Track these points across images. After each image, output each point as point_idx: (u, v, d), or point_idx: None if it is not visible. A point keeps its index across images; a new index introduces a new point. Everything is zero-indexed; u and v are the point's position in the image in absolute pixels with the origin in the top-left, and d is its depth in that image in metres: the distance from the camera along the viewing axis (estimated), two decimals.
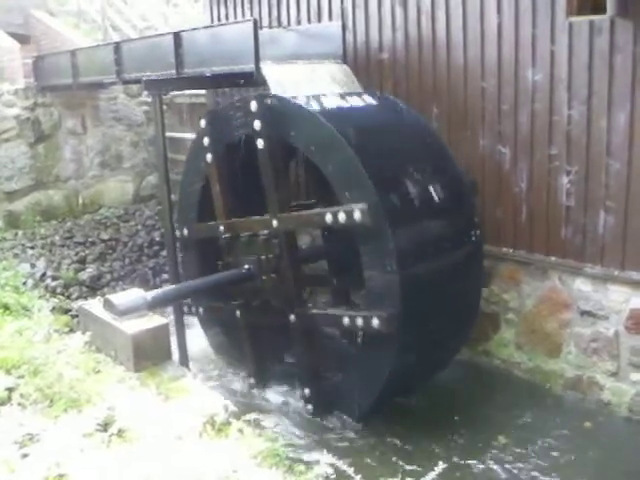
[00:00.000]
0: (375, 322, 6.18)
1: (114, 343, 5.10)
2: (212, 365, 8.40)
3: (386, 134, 6.90)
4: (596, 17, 6.23)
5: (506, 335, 7.61)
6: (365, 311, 6.44)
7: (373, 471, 5.70)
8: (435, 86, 7.63)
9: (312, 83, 7.46)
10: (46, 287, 9.47)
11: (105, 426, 3.61)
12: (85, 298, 8.60)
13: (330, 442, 6.46)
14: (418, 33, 7.67)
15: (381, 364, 6.44)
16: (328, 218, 6.40)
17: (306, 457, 5.64)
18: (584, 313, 6.86)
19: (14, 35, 12.50)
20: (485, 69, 7.15)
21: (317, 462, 3.55)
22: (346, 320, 6.55)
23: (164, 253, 10.04)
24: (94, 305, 5.71)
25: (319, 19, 8.75)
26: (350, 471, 3.33)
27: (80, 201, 11.77)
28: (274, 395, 7.62)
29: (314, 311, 7.19)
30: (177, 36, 7.76)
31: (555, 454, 6.16)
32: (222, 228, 7.63)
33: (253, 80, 7.14)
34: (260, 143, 6.84)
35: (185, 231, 8.23)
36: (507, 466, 6.03)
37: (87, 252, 10.56)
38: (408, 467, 5.83)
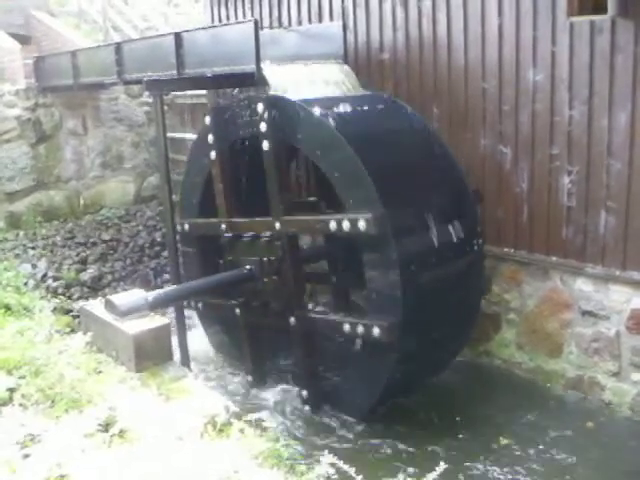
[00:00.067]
0: (376, 331, 6.21)
1: (115, 343, 5.10)
2: (212, 365, 8.40)
3: (393, 142, 6.86)
4: (597, 17, 6.23)
5: (507, 335, 7.61)
6: (366, 319, 6.46)
7: (374, 471, 5.68)
8: (436, 86, 7.63)
9: (313, 83, 7.47)
10: (47, 288, 9.48)
11: (106, 426, 3.61)
12: (86, 299, 8.59)
13: (330, 443, 6.46)
14: (419, 33, 7.67)
15: (380, 370, 6.49)
16: (332, 225, 6.40)
17: (307, 457, 5.66)
18: (585, 313, 6.86)
19: (15, 36, 12.52)
20: (486, 69, 7.15)
21: (318, 462, 3.53)
22: (347, 327, 6.56)
23: (165, 254, 10.05)
24: (95, 305, 5.72)
25: (320, 19, 8.76)
26: (351, 471, 3.33)
27: (81, 202, 11.77)
28: (272, 394, 7.62)
29: (315, 315, 7.19)
30: (178, 36, 7.77)
31: (557, 455, 6.15)
32: (224, 226, 7.64)
33: (254, 80, 7.14)
34: (265, 145, 6.84)
35: (186, 226, 8.24)
36: (508, 467, 6.01)
37: (88, 253, 10.57)
38: (409, 468, 5.82)
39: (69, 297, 9.46)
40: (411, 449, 6.30)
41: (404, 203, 6.40)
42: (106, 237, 11.01)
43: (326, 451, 3.63)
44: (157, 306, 6.24)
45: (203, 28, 8.19)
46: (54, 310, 8.20)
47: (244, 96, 7.47)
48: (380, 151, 6.56)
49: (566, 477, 5.84)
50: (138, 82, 8.66)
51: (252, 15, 9.61)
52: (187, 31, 7.92)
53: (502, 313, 7.61)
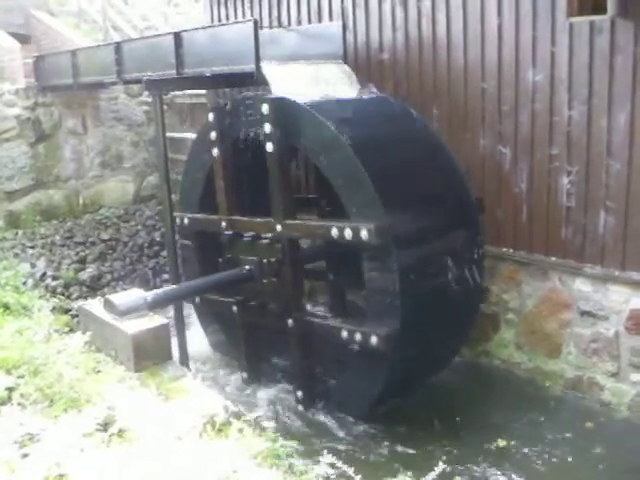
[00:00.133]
0: (373, 339, 6.23)
1: (114, 343, 5.10)
2: (208, 364, 8.41)
3: (396, 147, 6.86)
4: (596, 17, 6.23)
5: (506, 335, 7.61)
6: (364, 326, 6.47)
7: (373, 471, 5.69)
8: (436, 87, 7.63)
9: (313, 83, 7.46)
10: (46, 287, 9.49)
11: (105, 426, 3.61)
12: (85, 298, 8.60)
13: (329, 443, 6.45)
14: (419, 34, 7.67)
15: (377, 375, 6.52)
16: (334, 232, 6.39)
17: (306, 458, 5.66)
18: (584, 313, 6.86)
19: (15, 35, 12.51)
20: (485, 70, 7.14)
21: (317, 462, 3.53)
22: (344, 333, 6.58)
23: (164, 253, 10.05)
24: (94, 305, 5.71)
25: (319, 19, 8.75)
26: (350, 471, 3.33)
27: (80, 201, 11.77)
28: (267, 393, 7.66)
29: (313, 319, 7.19)
30: (177, 36, 7.77)
31: (557, 455, 6.15)
32: (224, 224, 7.63)
33: (253, 80, 7.14)
34: (269, 147, 6.81)
35: (185, 220, 8.23)
36: (508, 468, 6.02)
37: (87, 252, 10.57)
38: (408, 468, 5.80)
39: (68, 296, 9.47)
40: (410, 449, 6.31)
41: (407, 212, 6.40)
42: (105, 236, 11.01)
43: (325, 451, 3.63)
44: (156, 306, 6.24)
45: (203, 28, 8.20)
46: (53, 309, 8.21)
47: (249, 95, 7.44)
48: (383, 156, 6.54)
49: (567, 477, 5.85)
50: (138, 82, 8.66)
51: (252, 15, 9.60)
52: (187, 31, 7.93)
53: (501, 313, 7.61)
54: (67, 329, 6.43)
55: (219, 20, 10.34)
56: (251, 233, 7.33)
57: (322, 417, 7.06)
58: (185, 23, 12.81)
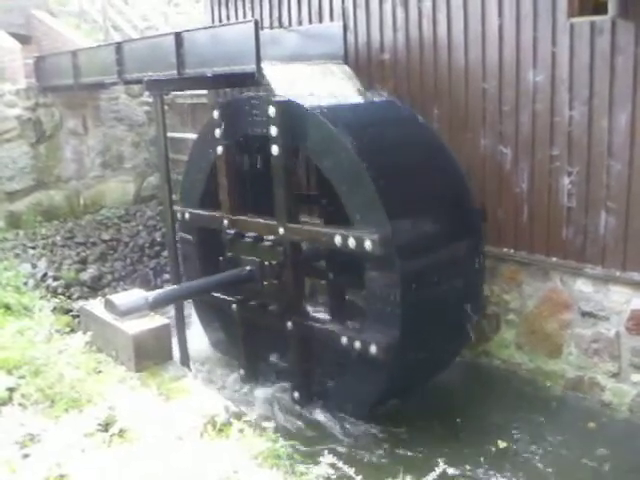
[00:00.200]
0: (373, 348, 6.25)
1: (115, 343, 5.10)
2: (208, 364, 8.42)
3: (402, 154, 6.86)
4: (597, 18, 6.23)
5: (507, 336, 7.61)
6: (364, 334, 6.48)
7: (373, 472, 5.70)
8: (436, 87, 7.63)
9: (313, 84, 7.46)
10: (47, 287, 9.49)
11: (106, 426, 3.61)
12: (86, 298, 8.61)
13: (330, 444, 6.43)
14: (419, 34, 7.66)
15: (375, 381, 6.55)
16: (337, 240, 6.38)
17: (306, 458, 5.67)
18: (585, 314, 6.85)
19: (15, 35, 12.50)
20: (486, 70, 7.14)
21: (318, 463, 3.53)
22: (344, 339, 6.58)
23: (165, 253, 10.06)
24: (95, 305, 5.72)
25: (320, 20, 8.75)
26: (351, 472, 3.33)
27: (81, 201, 11.78)
28: (266, 392, 7.68)
29: (313, 323, 7.18)
30: (178, 36, 7.77)
31: (560, 456, 6.16)
32: (226, 222, 7.63)
33: (254, 80, 7.13)
34: (275, 149, 6.80)
35: (187, 215, 8.22)
36: (509, 469, 6.02)
37: (88, 252, 10.58)
38: (408, 469, 5.79)
39: (69, 297, 9.47)
40: (410, 450, 6.31)
41: (410, 221, 6.39)
42: (106, 237, 11.02)
43: (325, 452, 3.63)
44: (157, 306, 6.24)
45: (203, 28, 8.20)
46: (54, 310, 8.16)
47: (254, 94, 7.41)
48: (388, 162, 6.53)
49: (571, 478, 5.85)
50: (138, 82, 8.67)
51: (252, 15, 9.60)
52: (187, 31, 7.92)
53: (502, 313, 7.60)
54: (68, 329, 6.42)
55: (220, 20, 10.34)
56: (253, 233, 7.32)
57: (319, 416, 7.07)
58: (186, 23, 12.83)
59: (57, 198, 11.49)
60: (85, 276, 9.97)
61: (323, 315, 8.64)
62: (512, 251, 7.33)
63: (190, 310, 8.72)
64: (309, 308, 8.37)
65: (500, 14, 6.92)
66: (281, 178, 6.86)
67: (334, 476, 3.51)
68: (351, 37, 8.35)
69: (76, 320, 7.93)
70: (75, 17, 15.33)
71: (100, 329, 5.33)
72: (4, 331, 5.00)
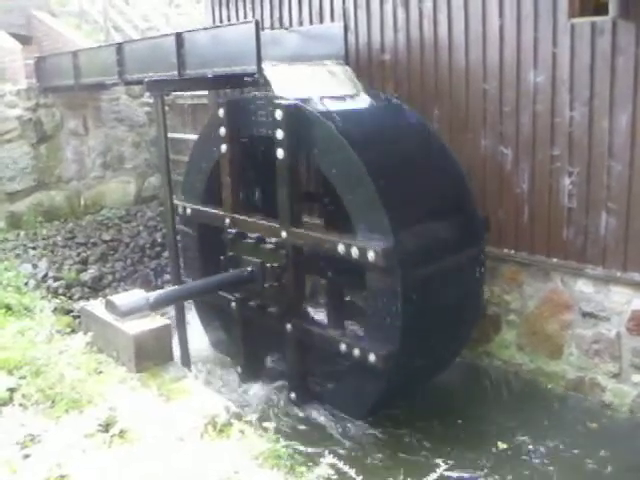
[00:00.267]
0: (372, 357, 6.25)
1: (116, 344, 5.10)
2: (205, 363, 8.42)
3: (412, 167, 6.87)
4: (598, 18, 6.23)
5: (507, 336, 7.61)
6: (363, 342, 6.49)
7: (374, 473, 5.70)
8: (437, 87, 7.63)
9: (314, 84, 7.45)
10: (48, 288, 9.49)
11: (106, 427, 3.61)
12: (87, 299, 8.60)
13: (330, 445, 6.44)
14: (420, 35, 7.66)
15: (373, 387, 6.56)
16: (340, 249, 6.35)
17: (306, 458, 5.67)
18: (586, 314, 6.85)
19: (16, 36, 12.53)
20: (487, 71, 7.14)
21: (318, 463, 3.53)
22: (343, 346, 6.58)
23: (166, 254, 10.06)
24: (96, 306, 5.71)
25: (321, 20, 8.75)
26: (352, 472, 3.32)
27: (82, 202, 11.79)
28: (262, 389, 7.70)
29: (312, 328, 7.17)
30: (179, 37, 7.77)
31: (562, 457, 6.15)
32: (228, 221, 7.62)
33: (255, 81, 7.13)
34: (280, 153, 6.76)
35: (188, 210, 8.22)
36: (510, 470, 6.01)
37: (89, 253, 10.58)
38: (408, 470, 5.80)
39: (70, 297, 9.48)
40: (410, 451, 6.30)
41: (414, 233, 6.34)
42: (107, 237, 11.02)
43: (326, 452, 3.63)
44: (158, 306, 6.24)
45: (204, 28, 8.19)
46: (55, 310, 8.19)
47: (260, 94, 7.38)
48: (399, 180, 6.50)
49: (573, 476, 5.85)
50: (139, 82, 8.67)
51: (253, 16, 9.61)
52: (188, 31, 7.92)
53: (502, 314, 7.60)
54: (69, 330, 6.44)
55: (220, 21, 10.35)
56: (255, 234, 7.31)
57: (315, 416, 7.08)
58: (186, 24, 12.83)
59: (58, 198, 11.50)
60: (86, 276, 9.97)
61: (323, 316, 8.65)
62: (513, 252, 7.33)
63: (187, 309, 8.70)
64: (309, 309, 8.39)
65: (501, 15, 6.92)
66: (285, 181, 6.82)
67: (334, 476, 3.51)
68: (352, 38, 8.35)
69: (77, 320, 7.94)
70: (76, 17, 15.35)
71: (101, 329, 5.33)
72: (5, 331, 5.00)
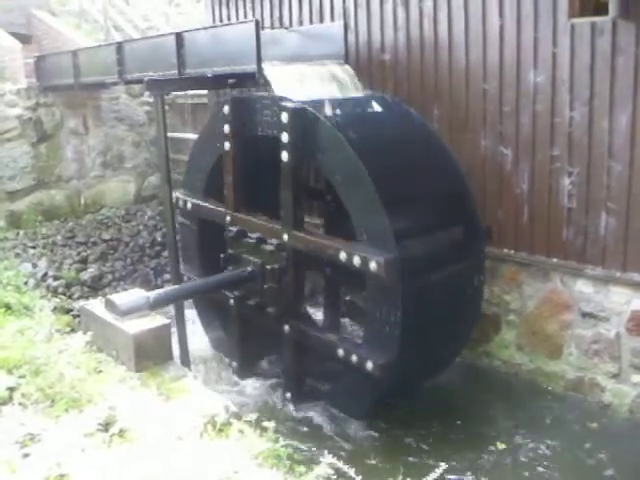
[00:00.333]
0: (369, 365, 6.25)
1: (115, 343, 5.10)
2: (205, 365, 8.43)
3: (414, 170, 6.85)
4: (598, 19, 6.23)
5: (507, 336, 7.61)
6: (361, 350, 6.49)
7: (373, 473, 5.70)
8: (437, 87, 7.63)
9: (314, 84, 7.45)
10: (48, 287, 9.49)
11: (106, 426, 3.61)
12: (87, 298, 8.61)
13: (330, 444, 6.44)
14: (420, 34, 7.66)
15: (370, 392, 6.59)
16: (342, 256, 6.32)
17: (306, 458, 5.67)
18: (585, 315, 6.85)
19: (16, 35, 12.53)
20: (487, 70, 7.14)
21: (318, 463, 3.52)
22: (340, 352, 6.58)
23: (165, 253, 10.05)
24: (96, 305, 5.71)
25: (321, 20, 8.75)
26: (351, 472, 3.32)
27: (82, 201, 11.80)
28: (259, 385, 7.76)
29: (310, 331, 7.17)
30: (179, 36, 7.78)
31: (563, 457, 6.15)
32: (229, 219, 7.62)
33: (255, 81, 7.13)
34: (285, 156, 6.74)
35: (189, 205, 8.21)
36: (510, 471, 6.01)
37: (89, 252, 10.58)
38: (408, 470, 5.81)
39: (69, 296, 9.48)
40: (410, 451, 6.30)
41: (417, 243, 6.30)
42: (106, 236, 11.02)
43: (325, 452, 3.63)
44: (157, 306, 6.23)
45: (204, 28, 8.20)
46: (54, 309, 8.22)
47: (266, 94, 7.34)
48: (401, 182, 6.49)
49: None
50: (139, 82, 8.68)
51: (253, 15, 9.61)
52: (188, 31, 7.93)
53: (502, 314, 7.61)
54: (68, 329, 6.42)
55: (220, 20, 10.35)
56: (256, 234, 7.30)
57: (311, 415, 7.09)
58: (186, 23, 12.85)
59: (58, 198, 11.51)
60: (85, 276, 9.97)
61: (322, 315, 8.65)
62: (512, 252, 7.33)
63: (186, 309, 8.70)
64: (309, 309, 8.40)
65: (501, 14, 6.92)
66: (289, 184, 6.81)
67: (334, 476, 3.51)
68: (352, 37, 8.35)
69: (76, 320, 7.94)
70: (76, 17, 15.35)
71: (100, 329, 5.33)
72: (4, 331, 5.00)
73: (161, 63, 8.05)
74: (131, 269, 10.52)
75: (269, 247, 7.08)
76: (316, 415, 7.07)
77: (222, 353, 8.47)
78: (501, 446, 6.29)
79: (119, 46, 9.05)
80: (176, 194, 8.28)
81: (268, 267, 7.04)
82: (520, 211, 7.16)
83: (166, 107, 8.60)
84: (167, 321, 5.41)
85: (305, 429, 6.86)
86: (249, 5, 9.80)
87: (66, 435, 3.39)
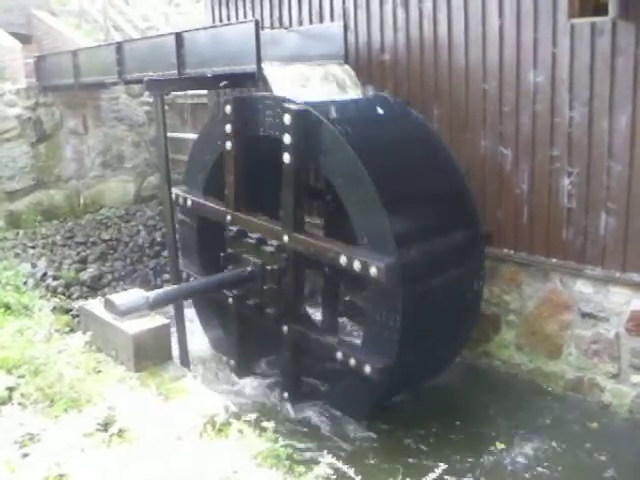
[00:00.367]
0: (367, 369, 6.25)
1: (115, 343, 5.10)
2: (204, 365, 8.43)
3: (414, 172, 6.84)
4: (598, 19, 6.23)
5: (507, 336, 7.61)
6: (360, 353, 6.49)
7: (373, 473, 5.70)
8: (437, 87, 7.63)
9: (314, 84, 7.45)
10: (47, 287, 9.48)
11: (105, 426, 3.61)
12: (86, 298, 8.59)
13: (329, 445, 6.44)
14: (420, 34, 7.66)
15: (368, 395, 6.59)
16: (342, 260, 6.30)
17: (306, 458, 5.67)
18: (585, 315, 6.85)
19: (16, 35, 12.53)
20: (487, 71, 7.14)
21: (317, 463, 3.52)
22: (339, 354, 6.57)
23: (165, 253, 10.05)
24: (95, 305, 5.71)
25: (321, 20, 8.75)
26: (350, 472, 3.32)
27: (81, 201, 11.79)
28: (257, 384, 7.76)
29: (309, 333, 7.16)
30: (179, 36, 7.77)
31: (564, 457, 6.14)
32: (229, 218, 7.61)
33: (255, 81, 7.13)
34: (286, 157, 6.72)
35: (189, 202, 8.19)
36: (509, 471, 6.01)
37: (88, 252, 10.57)
38: (407, 470, 5.82)
39: (69, 296, 9.47)
40: (409, 451, 6.30)
41: (417, 248, 6.28)
42: (106, 236, 11.02)
43: (325, 452, 3.63)
44: (157, 306, 6.23)
45: (204, 28, 8.20)
46: (54, 309, 8.22)
47: (270, 94, 7.31)
48: (399, 182, 6.48)
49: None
50: (139, 82, 8.66)
51: (253, 15, 9.61)
52: (188, 31, 7.92)
53: (502, 314, 7.60)
54: (68, 329, 6.42)
55: (220, 20, 10.34)
56: (256, 235, 7.28)
57: (308, 415, 7.09)
58: (186, 23, 12.84)
59: (57, 198, 11.50)
60: (85, 276, 9.97)
61: (320, 317, 8.64)
62: (512, 252, 7.33)
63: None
64: (308, 309, 8.38)
65: (500, 15, 6.92)
66: (290, 185, 6.79)
67: (334, 476, 3.50)
68: (352, 37, 8.35)
69: (76, 320, 7.92)
70: (75, 17, 15.34)
71: (100, 329, 5.33)
72: (4, 330, 4.99)
73: (161, 63, 8.04)
74: (130, 269, 10.52)
75: (269, 248, 7.07)
76: (315, 415, 7.07)
77: (220, 352, 8.47)
78: (501, 446, 6.28)
79: (119, 46, 9.05)
80: (176, 191, 8.27)
81: (268, 268, 7.03)
82: (520, 211, 7.16)
83: (166, 107, 8.60)
84: (166, 321, 5.41)
85: (304, 429, 6.85)
86: (249, 5, 9.80)
87: (65, 435, 3.39)
